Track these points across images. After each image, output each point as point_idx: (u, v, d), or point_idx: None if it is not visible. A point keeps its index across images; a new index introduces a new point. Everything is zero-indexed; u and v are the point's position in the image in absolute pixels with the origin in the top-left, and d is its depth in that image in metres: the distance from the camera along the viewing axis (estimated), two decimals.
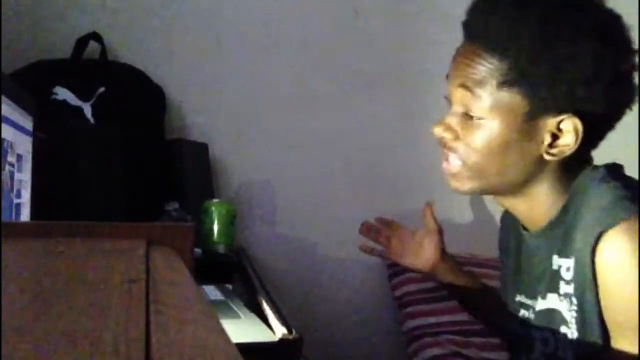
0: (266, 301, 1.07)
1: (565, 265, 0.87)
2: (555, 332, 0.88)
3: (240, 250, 1.68)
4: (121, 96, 1.71)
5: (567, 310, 0.86)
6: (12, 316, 0.36)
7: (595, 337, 0.83)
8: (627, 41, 0.88)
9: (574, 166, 0.89)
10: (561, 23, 0.84)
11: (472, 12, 0.90)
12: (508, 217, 1.05)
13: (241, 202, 1.84)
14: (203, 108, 1.89)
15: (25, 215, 1.06)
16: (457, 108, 0.91)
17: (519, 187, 0.91)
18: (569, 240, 0.86)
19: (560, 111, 0.85)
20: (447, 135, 0.92)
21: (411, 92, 2.00)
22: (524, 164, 0.88)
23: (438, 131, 0.93)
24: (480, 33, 0.88)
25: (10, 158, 0.95)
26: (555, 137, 0.87)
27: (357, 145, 1.97)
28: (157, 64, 1.82)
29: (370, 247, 1.25)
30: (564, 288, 0.87)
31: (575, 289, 0.85)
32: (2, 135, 0.88)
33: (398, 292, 1.89)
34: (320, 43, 1.95)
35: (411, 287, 1.86)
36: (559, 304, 0.88)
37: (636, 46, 0.88)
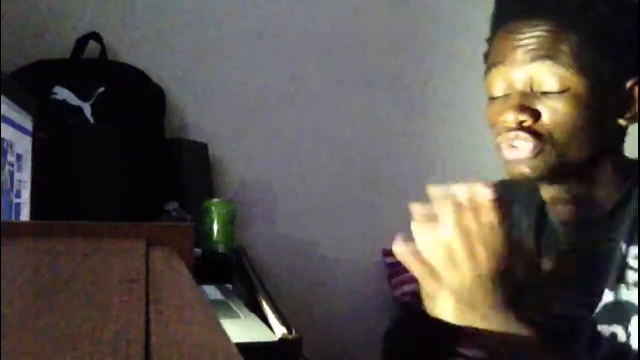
0: (266, 301, 1.07)
1: (633, 254, 0.83)
2: (626, 325, 0.83)
3: (240, 250, 1.68)
4: (121, 96, 1.71)
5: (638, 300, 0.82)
6: (12, 316, 0.36)
7: None
8: None
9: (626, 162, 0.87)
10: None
11: None
12: (518, 190, 0.98)
13: (241, 202, 1.84)
14: (203, 108, 1.89)
15: (25, 215, 1.06)
16: (525, 86, 0.84)
17: (590, 165, 0.86)
18: (637, 229, 0.82)
19: (634, 75, 0.83)
20: (528, 118, 0.84)
21: (411, 92, 2.00)
22: (605, 132, 0.85)
23: (514, 116, 0.84)
24: (547, 5, 0.84)
25: (10, 158, 0.95)
26: (627, 103, 0.85)
27: (357, 145, 1.97)
28: (157, 64, 1.82)
29: None
30: (633, 277, 0.83)
31: None
32: (2, 135, 0.88)
33: (398, 292, 1.89)
34: (320, 43, 1.95)
35: (411, 287, 1.86)
36: (629, 294, 0.83)
37: None
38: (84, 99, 1.67)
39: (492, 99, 0.89)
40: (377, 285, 1.97)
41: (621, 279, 0.84)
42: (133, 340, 0.32)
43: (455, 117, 2.02)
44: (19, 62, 1.67)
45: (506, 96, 0.86)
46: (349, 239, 1.96)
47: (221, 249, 1.49)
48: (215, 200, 1.56)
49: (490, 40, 0.91)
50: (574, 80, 0.82)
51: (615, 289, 0.85)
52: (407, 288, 1.87)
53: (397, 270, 1.92)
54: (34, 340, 0.32)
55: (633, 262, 0.83)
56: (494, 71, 0.87)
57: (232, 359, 0.32)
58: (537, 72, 0.83)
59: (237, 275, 1.39)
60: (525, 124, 0.84)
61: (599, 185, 0.88)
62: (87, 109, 1.67)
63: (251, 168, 1.92)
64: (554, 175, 0.87)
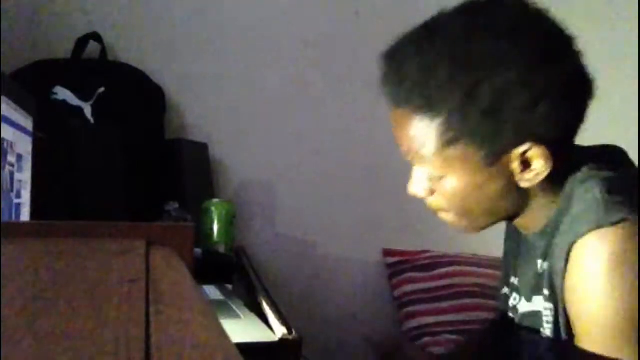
0: (266, 301, 1.07)
1: (547, 268, 0.87)
2: (541, 335, 0.89)
3: (240, 250, 1.68)
4: (121, 96, 1.71)
5: (545, 311, 0.88)
6: (12, 316, 0.36)
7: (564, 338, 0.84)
8: (558, 45, 0.82)
9: (561, 170, 0.85)
10: (482, 63, 0.79)
11: (384, 79, 0.89)
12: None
13: (241, 202, 1.84)
14: (203, 108, 1.89)
15: (25, 215, 1.06)
16: (417, 169, 0.90)
17: (516, 211, 0.90)
18: (552, 244, 0.85)
19: (518, 143, 0.81)
20: (424, 194, 0.91)
21: None
22: (507, 196, 0.86)
23: (414, 192, 0.92)
24: (401, 98, 0.85)
25: (10, 158, 0.95)
26: (525, 164, 0.83)
27: (357, 145, 1.97)
28: (157, 64, 1.82)
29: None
30: (546, 291, 0.87)
31: (549, 294, 0.86)
32: (2, 135, 0.88)
33: (398, 292, 1.89)
34: (320, 43, 1.95)
35: (411, 287, 1.86)
36: (543, 304, 0.88)
37: (572, 43, 0.83)
38: (84, 99, 1.67)
39: None
40: (377, 285, 1.97)
41: (537, 291, 0.90)
42: (133, 340, 0.32)
43: None
44: (19, 62, 1.67)
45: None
46: (349, 239, 1.96)
47: (221, 249, 1.49)
48: (215, 200, 1.56)
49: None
50: (445, 172, 0.85)
51: (531, 300, 0.92)
52: (407, 288, 1.87)
53: (397, 270, 1.92)
54: (34, 340, 0.32)
55: (546, 277, 0.88)
56: None
57: (232, 359, 0.32)
58: (414, 161, 0.89)
59: (237, 275, 1.39)
60: (427, 201, 0.91)
61: (534, 216, 0.90)
62: (87, 109, 1.67)
63: (251, 168, 1.92)
64: (485, 227, 0.92)
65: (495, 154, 0.82)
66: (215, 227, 1.50)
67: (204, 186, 1.80)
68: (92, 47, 1.74)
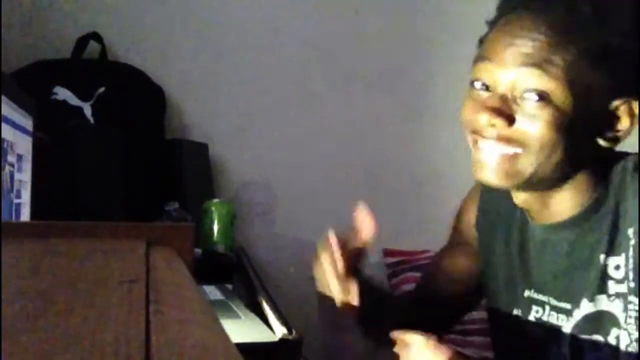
0: (266, 301, 1.07)
1: (613, 264, 0.81)
2: (607, 336, 0.82)
3: (240, 250, 1.68)
4: (121, 96, 1.71)
5: (622, 311, 0.81)
6: (12, 316, 0.36)
7: None
8: None
9: (604, 156, 0.83)
10: None
11: None
12: (495, 202, 0.97)
13: (241, 202, 1.84)
14: (203, 108, 1.89)
15: (25, 215, 1.06)
16: (509, 91, 0.79)
17: (562, 179, 0.83)
18: (616, 236, 0.81)
19: (624, 94, 0.79)
20: (500, 123, 0.79)
21: (411, 92, 2.00)
22: (580, 153, 0.80)
23: (486, 118, 0.80)
24: (560, 4, 0.78)
25: (10, 158, 0.95)
26: (610, 122, 0.80)
27: (357, 145, 1.97)
28: (157, 64, 1.82)
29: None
30: (615, 288, 0.82)
31: (635, 287, 0.79)
32: (2, 135, 0.88)
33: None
34: (320, 43, 1.95)
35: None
36: (610, 305, 0.82)
37: None
38: (84, 99, 1.67)
39: (472, 91, 0.85)
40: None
41: (601, 289, 0.83)
42: (133, 340, 0.32)
43: (455, 118, 2.01)
44: (19, 62, 1.67)
45: (486, 93, 0.82)
46: None
47: (221, 249, 1.49)
48: (215, 200, 1.56)
49: (491, 25, 0.86)
50: (559, 93, 0.77)
51: (594, 299, 0.84)
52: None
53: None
54: (34, 340, 0.32)
55: (613, 273, 0.82)
56: (480, 65, 0.83)
57: (232, 359, 0.32)
58: (523, 76, 0.78)
59: (237, 275, 1.39)
60: (496, 128, 0.80)
61: (572, 193, 0.84)
62: (87, 109, 1.67)
63: (251, 168, 1.92)
64: (525, 184, 0.83)
65: (612, 93, 0.79)
66: (215, 227, 1.50)
67: (204, 186, 1.80)
68: (92, 47, 1.74)
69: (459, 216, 1.07)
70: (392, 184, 1.98)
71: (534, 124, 0.78)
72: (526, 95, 0.78)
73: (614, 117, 0.80)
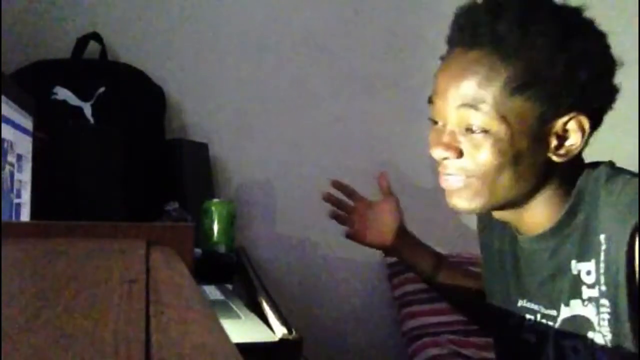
0: (266, 301, 1.06)
1: (585, 269, 0.84)
2: (585, 340, 0.85)
3: (240, 250, 1.68)
4: (121, 96, 1.71)
5: (595, 315, 0.83)
6: (12, 316, 0.36)
7: (629, 340, 0.80)
8: (606, 36, 0.88)
9: (573, 168, 0.88)
10: (570, 21, 0.84)
11: (470, 14, 0.87)
12: (489, 218, 1.02)
13: (241, 202, 1.84)
14: (203, 108, 1.89)
15: (25, 215, 1.06)
16: (456, 127, 0.87)
17: (527, 196, 0.88)
18: (587, 243, 0.84)
19: (567, 111, 0.83)
20: (451, 155, 0.87)
21: (411, 92, 2.00)
22: (534, 171, 0.86)
23: (440, 153, 0.88)
24: (484, 37, 0.84)
25: (10, 158, 0.95)
26: (560, 138, 0.85)
27: (357, 146, 1.97)
28: (157, 64, 1.82)
29: (337, 214, 1.26)
30: (587, 292, 0.84)
31: (606, 291, 0.82)
32: (2, 135, 0.88)
33: (398, 292, 1.89)
34: (320, 43, 1.95)
35: (411, 287, 1.86)
36: (584, 309, 0.85)
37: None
38: (84, 99, 1.67)
39: (433, 128, 0.92)
40: (377, 285, 1.97)
41: (575, 295, 0.86)
42: (133, 340, 0.32)
43: None
44: (19, 62, 1.67)
45: (442, 128, 0.89)
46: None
47: (221, 249, 1.49)
48: (215, 200, 1.56)
49: (442, 60, 0.93)
50: (495, 127, 0.83)
51: (569, 304, 0.88)
52: (407, 288, 1.87)
53: (397, 270, 1.92)
54: (34, 340, 0.32)
55: (585, 278, 0.85)
56: (433, 104, 0.90)
57: (232, 359, 0.32)
58: (462, 115, 0.85)
59: (237, 275, 1.39)
60: (449, 160, 0.88)
61: (543, 206, 0.89)
62: (87, 109, 1.67)
63: (251, 168, 1.92)
64: (489, 207, 0.90)
65: (550, 115, 0.83)
66: (215, 227, 1.50)
67: (204, 186, 1.80)
68: (92, 47, 1.74)
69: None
70: (392, 184, 1.98)
71: (480, 154, 0.85)
72: (471, 128, 0.85)
73: (564, 133, 0.85)
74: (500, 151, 0.84)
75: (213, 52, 1.89)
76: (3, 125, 0.88)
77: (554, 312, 0.91)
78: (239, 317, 0.95)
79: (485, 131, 0.84)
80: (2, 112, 0.88)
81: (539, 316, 0.93)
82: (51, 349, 0.31)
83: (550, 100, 0.83)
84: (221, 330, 0.37)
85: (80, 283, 0.47)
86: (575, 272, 0.86)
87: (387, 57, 1.97)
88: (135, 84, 1.75)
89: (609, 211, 0.81)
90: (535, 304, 0.94)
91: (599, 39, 0.86)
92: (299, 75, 1.94)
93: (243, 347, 0.41)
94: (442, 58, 0.92)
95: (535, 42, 0.82)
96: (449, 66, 0.88)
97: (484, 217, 1.06)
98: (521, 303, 0.97)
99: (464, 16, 0.88)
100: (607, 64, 0.85)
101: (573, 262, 0.86)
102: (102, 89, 1.69)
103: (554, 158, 0.85)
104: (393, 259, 1.94)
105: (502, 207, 0.91)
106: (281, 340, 0.82)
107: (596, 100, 0.85)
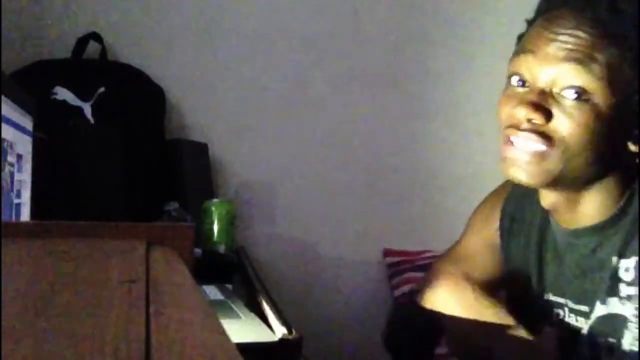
0: (266, 301, 1.06)
1: (624, 266, 0.82)
2: (620, 338, 0.82)
3: (240, 250, 1.68)
4: (121, 96, 1.71)
5: (632, 313, 0.81)
6: (12, 316, 0.36)
7: None
8: None
9: (632, 167, 0.83)
10: None
11: None
12: (521, 208, 0.97)
13: (241, 202, 1.84)
14: (203, 108, 1.89)
15: (25, 215, 1.06)
16: (549, 85, 0.79)
17: (590, 181, 0.83)
18: (631, 240, 0.81)
19: None
20: (538, 117, 0.78)
21: (411, 92, 2.00)
22: (612, 153, 0.80)
23: (524, 112, 0.79)
24: (603, 6, 0.77)
25: (10, 158, 0.95)
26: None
27: (357, 146, 1.97)
28: (157, 64, 1.82)
29: None
30: (626, 290, 0.82)
31: None
32: (2, 135, 0.88)
33: (398, 292, 1.89)
34: (320, 43, 1.95)
35: (411, 287, 1.86)
36: (622, 307, 0.83)
37: None
38: (84, 99, 1.67)
39: (509, 87, 0.83)
40: (377, 285, 1.97)
41: (613, 291, 0.83)
42: (133, 340, 0.32)
43: (454, 118, 2.02)
44: (19, 62, 1.67)
45: (524, 88, 0.81)
46: (349, 239, 1.96)
47: (221, 249, 1.49)
48: (215, 200, 1.56)
49: (530, 22, 0.85)
50: (599, 92, 0.77)
51: (606, 302, 0.84)
52: (407, 288, 1.87)
53: (397, 270, 1.92)
54: (34, 340, 0.32)
55: (624, 275, 0.82)
56: (522, 58, 0.82)
57: (232, 359, 0.32)
58: (565, 72, 0.78)
59: (237, 275, 1.39)
60: (534, 123, 0.79)
61: (600, 197, 0.84)
62: (87, 109, 1.67)
63: (251, 168, 1.92)
64: (552, 183, 0.82)
65: None
66: (215, 227, 1.50)
67: (204, 186, 1.80)
68: (92, 47, 1.74)
69: (479, 216, 1.06)
70: (392, 184, 1.98)
71: (570, 123, 0.77)
72: (565, 92, 0.78)
73: None
74: (593, 124, 0.76)
75: (213, 52, 1.89)
76: (3, 125, 0.88)
77: (585, 308, 0.87)
78: (239, 317, 0.95)
79: (583, 97, 0.77)
80: (2, 112, 0.88)
81: (567, 311, 0.90)
82: (51, 349, 0.31)
83: None
84: (221, 330, 0.37)
85: (80, 283, 0.47)
86: (615, 269, 0.83)
87: (387, 57, 1.97)
88: (135, 84, 1.75)
89: None
90: (564, 298, 0.90)
91: None
92: (299, 75, 1.94)
93: (243, 347, 0.41)
94: (531, 21, 0.84)
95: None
96: (553, 23, 0.79)
97: (514, 204, 0.99)
98: (547, 297, 0.93)
99: None
100: None
101: (614, 258, 0.83)
102: (102, 89, 1.68)
103: (631, 147, 0.80)
104: (393, 259, 1.94)
105: (562, 188, 0.84)
106: (281, 340, 0.82)
107: None
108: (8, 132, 0.93)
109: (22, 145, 1.03)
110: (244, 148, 1.91)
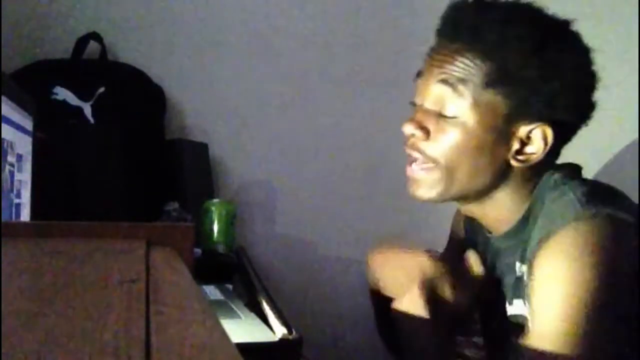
0: (266, 301, 1.06)
1: (525, 271, 0.88)
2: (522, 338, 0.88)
3: (240, 250, 1.68)
4: (121, 96, 1.71)
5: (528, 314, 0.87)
6: (12, 316, 0.36)
7: None
8: (589, 52, 0.89)
9: (538, 173, 0.90)
10: (549, 30, 0.86)
11: (458, 11, 0.90)
12: (468, 219, 1.05)
13: (241, 202, 1.84)
14: (203, 108, 1.89)
15: (25, 215, 1.06)
16: (431, 106, 0.90)
17: (484, 192, 0.91)
18: (526, 247, 0.87)
19: (534, 119, 0.86)
20: (419, 134, 0.90)
21: (411, 92, 2.00)
22: (492, 168, 0.88)
23: (409, 128, 0.91)
24: (467, 32, 0.87)
25: (10, 158, 0.95)
26: (523, 144, 0.87)
27: (357, 146, 1.97)
28: (157, 64, 1.82)
29: None
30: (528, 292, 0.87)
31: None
32: (2, 135, 0.88)
33: None
34: (321, 43, 1.95)
35: None
36: (524, 308, 0.88)
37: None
38: (84, 99, 1.67)
39: (413, 104, 0.94)
40: None
41: (517, 294, 0.90)
42: (133, 340, 0.32)
43: None
44: (19, 62, 1.67)
45: (420, 106, 0.92)
46: (349, 239, 1.96)
47: (221, 249, 1.49)
48: (215, 200, 1.56)
49: (430, 50, 0.95)
50: (466, 112, 0.86)
51: (512, 303, 0.92)
52: None
53: None
54: (34, 340, 0.32)
55: (524, 279, 0.88)
56: (417, 80, 0.94)
57: (232, 359, 0.32)
58: (441, 92, 0.88)
59: (237, 275, 1.39)
60: (414, 139, 0.91)
61: (499, 209, 0.91)
62: (87, 109, 1.67)
63: (251, 168, 1.92)
64: (447, 197, 0.91)
65: (516, 116, 0.85)
66: (215, 227, 1.50)
67: (204, 186, 1.80)
68: (92, 47, 1.74)
69: (452, 229, 1.16)
70: (392, 183, 1.98)
71: (446, 138, 0.88)
72: (442, 111, 0.88)
73: (527, 140, 0.87)
74: (464, 140, 0.86)
75: (213, 52, 1.89)
76: (3, 125, 0.88)
77: (504, 309, 0.95)
78: (239, 317, 0.95)
79: (455, 117, 0.87)
80: (2, 112, 0.88)
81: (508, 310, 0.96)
82: (51, 349, 0.31)
83: (519, 102, 0.85)
84: (221, 330, 0.37)
85: (80, 283, 0.47)
86: (519, 273, 0.90)
87: (387, 57, 1.97)
88: (135, 84, 1.75)
89: (542, 218, 0.85)
90: (506, 300, 0.97)
91: (579, 53, 0.87)
92: (299, 74, 1.94)
93: (243, 347, 0.41)
94: (432, 49, 0.95)
95: (511, 45, 0.85)
96: (435, 52, 0.91)
97: (465, 220, 1.08)
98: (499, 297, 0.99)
99: (452, 11, 0.92)
100: (583, 79, 0.87)
101: (517, 263, 0.90)
102: (102, 89, 1.68)
103: (512, 162, 0.87)
104: None
105: (461, 198, 0.92)
106: (281, 340, 0.82)
107: (565, 114, 0.86)
108: (8, 132, 0.93)
109: (22, 145, 1.03)
110: (244, 148, 1.91)
